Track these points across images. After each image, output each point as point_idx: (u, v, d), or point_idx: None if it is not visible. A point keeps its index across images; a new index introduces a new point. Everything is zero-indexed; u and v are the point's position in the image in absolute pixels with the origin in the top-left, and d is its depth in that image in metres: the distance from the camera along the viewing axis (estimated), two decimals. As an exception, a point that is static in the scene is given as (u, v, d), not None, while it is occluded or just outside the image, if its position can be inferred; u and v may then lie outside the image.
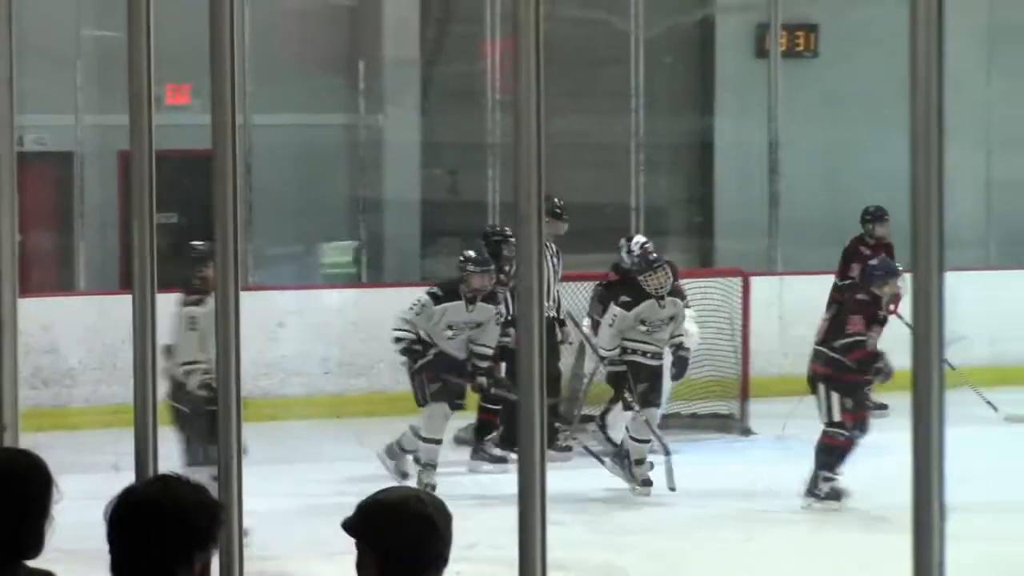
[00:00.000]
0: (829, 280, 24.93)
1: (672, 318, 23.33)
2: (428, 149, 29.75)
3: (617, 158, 29.15)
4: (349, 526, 6.92)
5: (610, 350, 23.53)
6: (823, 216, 27.89)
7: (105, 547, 6.64)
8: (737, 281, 26.49)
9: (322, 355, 25.61)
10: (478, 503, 19.57)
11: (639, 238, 25.36)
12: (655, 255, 23.51)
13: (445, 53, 29.61)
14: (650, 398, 23.51)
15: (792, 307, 26.63)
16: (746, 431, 26.10)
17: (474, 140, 28.47)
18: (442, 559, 6.88)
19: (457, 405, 23.38)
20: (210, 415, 16.87)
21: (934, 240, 5.70)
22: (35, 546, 7.54)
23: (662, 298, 22.99)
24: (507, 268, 24.23)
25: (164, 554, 6.93)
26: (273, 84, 25.53)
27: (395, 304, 24.80)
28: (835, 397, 21.28)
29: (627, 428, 23.27)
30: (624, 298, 23.69)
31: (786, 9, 30.36)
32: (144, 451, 8.19)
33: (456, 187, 29.57)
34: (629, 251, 24.35)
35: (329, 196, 28.82)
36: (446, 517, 6.79)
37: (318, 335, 25.57)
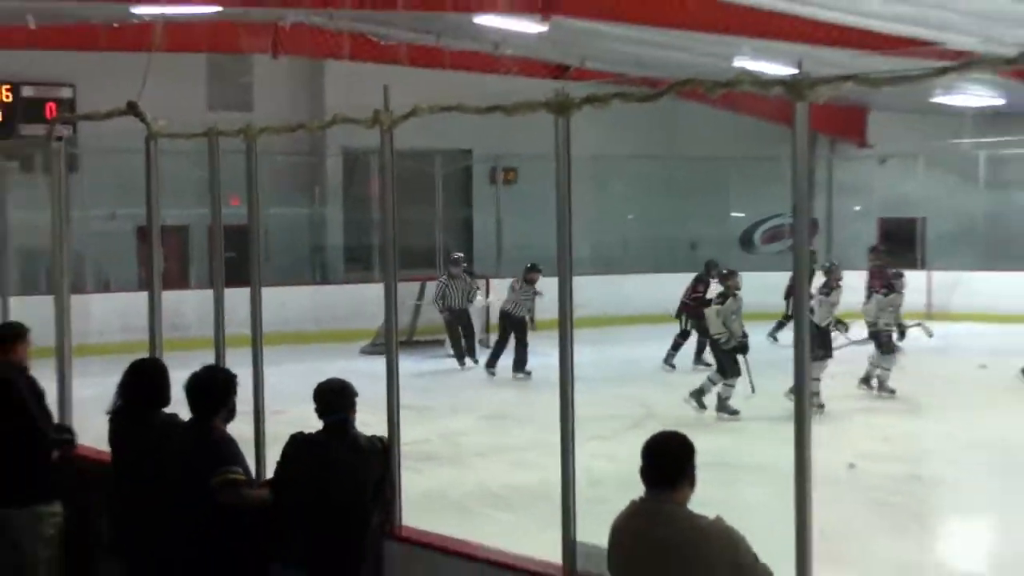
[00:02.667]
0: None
1: None
2: (348, 223, 29.47)
3: (427, 228, 28.88)
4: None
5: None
6: (519, 253, 27.59)
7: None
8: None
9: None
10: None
11: None
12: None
13: (355, 181, 29.31)
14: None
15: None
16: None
17: (367, 218, 28.17)
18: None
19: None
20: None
21: (567, 260, 5.60)
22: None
23: None
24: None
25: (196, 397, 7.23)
26: (278, 195, 25.13)
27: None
28: None
29: None
30: None
31: (491, 160, 30.33)
32: (219, 354, 8.01)
33: (360, 240, 29.19)
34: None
35: (300, 244, 28.55)
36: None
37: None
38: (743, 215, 32.58)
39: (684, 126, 29.65)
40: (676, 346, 21.82)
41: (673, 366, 21.47)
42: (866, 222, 32.47)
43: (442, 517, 8.20)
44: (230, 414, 7.25)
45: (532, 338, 21.33)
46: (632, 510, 5.22)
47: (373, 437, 6.99)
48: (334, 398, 7.00)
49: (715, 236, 31.36)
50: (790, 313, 23.49)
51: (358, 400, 7.06)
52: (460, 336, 22.53)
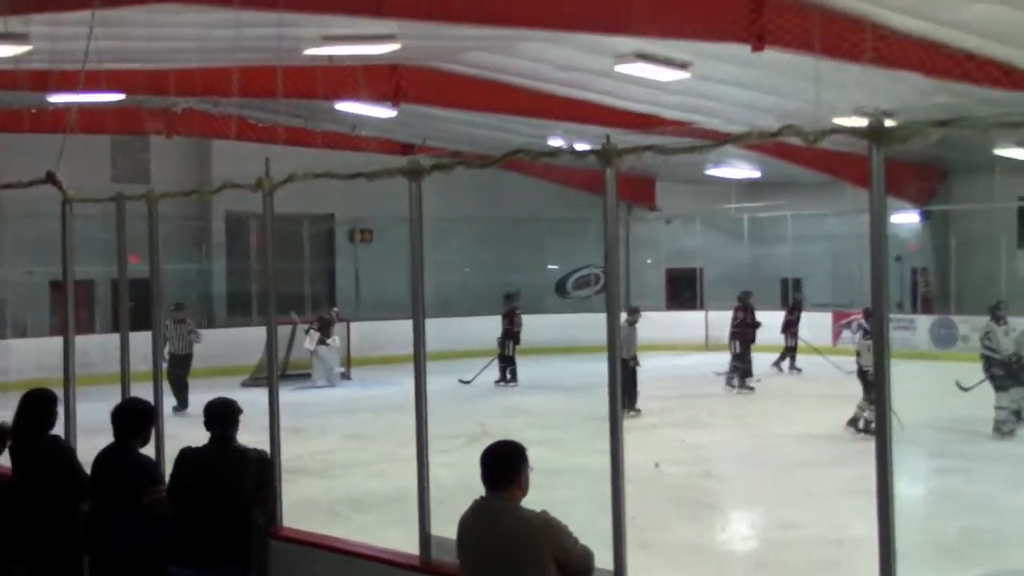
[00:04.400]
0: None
1: None
2: (230, 275, 29.06)
3: (297, 279, 28.58)
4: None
5: None
6: (375, 298, 27.54)
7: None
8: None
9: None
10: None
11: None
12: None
13: (237, 240, 28.96)
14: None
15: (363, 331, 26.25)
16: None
17: (246, 270, 27.86)
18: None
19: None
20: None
21: (420, 302, 5.51)
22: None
23: None
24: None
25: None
26: (171, 252, 24.60)
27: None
28: None
29: None
30: None
31: (350, 223, 30.21)
32: (125, 387, 7.74)
33: (240, 288, 28.68)
34: None
35: (190, 293, 27.92)
36: None
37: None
38: (556, 267, 32.89)
39: (508, 193, 29.93)
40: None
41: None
42: (656, 271, 33.14)
43: (315, 520, 8.05)
44: (145, 439, 7.04)
45: (374, 369, 21.00)
46: (474, 507, 5.20)
47: (254, 449, 6.82)
48: (218, 414, 6.81)
49: (535, 283, 31.81)
50: (790, 345, 25.04)
51: (242, 425, 6.90)
52: (182, 381, 19.60)
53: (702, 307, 31.22)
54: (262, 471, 6.75)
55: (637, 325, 19.63)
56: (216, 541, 6.57)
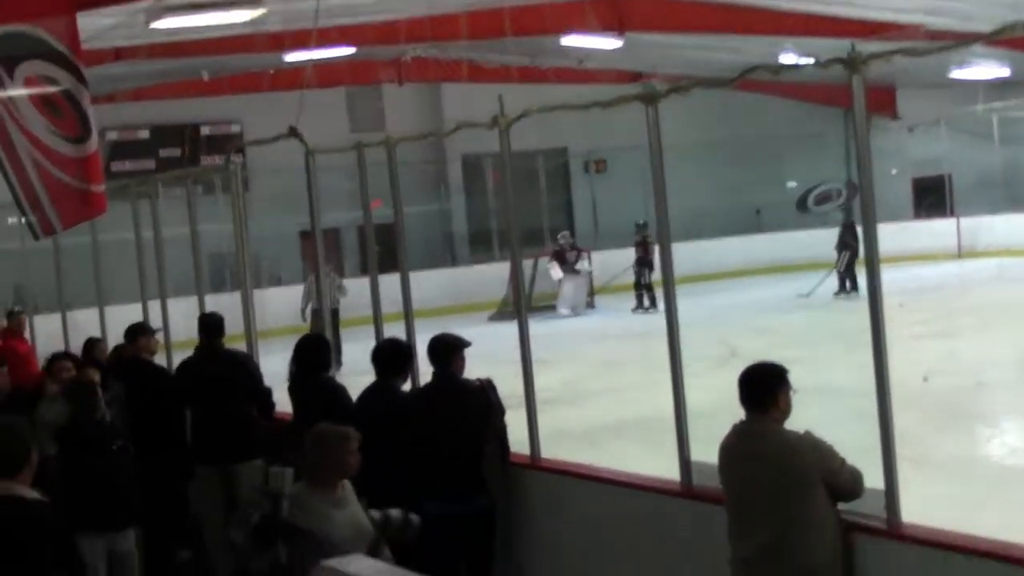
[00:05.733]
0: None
1: None
2: (469, 214, 29.52)
3: (534, 214, 28.82)
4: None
5: None
6: (613, 227, 27.52)
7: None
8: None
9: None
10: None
11: None
12: None
13: (473, 180, 29.36)
14: None
15: (605, 260, 26.23)
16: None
17: (484, 209, 28.25)
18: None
19: None
20: None
21: (666, 227, 5.41)
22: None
23: None
24: None
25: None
26: (410, 196, 25.13)
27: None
28: None
29: None
30: None
31: (583, 155, 30.10)
32: (378, 329, 7.91)
33: (480, 226, 29.10)
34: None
35: (432, 235, 28.46)
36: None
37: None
38: (795, 184, 32.21)
39: (741, 113, 29.32)
40: None
41: None
42: (902, 180, 32.01)
43: (571, 448, 8.11)
44: (405, 378, 7.26)
45: (617, 297, 21.17)
46: (735, 431, 5.14)
47: (477, 380, 6.83)
48: (437, 351, 6.89)
49: (775, 202, 31.25)
50: None
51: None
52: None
53: (952, 214, 30.05)
54: (487, 402, 6.75)
55: None
56: (458, 476, 6.66)
